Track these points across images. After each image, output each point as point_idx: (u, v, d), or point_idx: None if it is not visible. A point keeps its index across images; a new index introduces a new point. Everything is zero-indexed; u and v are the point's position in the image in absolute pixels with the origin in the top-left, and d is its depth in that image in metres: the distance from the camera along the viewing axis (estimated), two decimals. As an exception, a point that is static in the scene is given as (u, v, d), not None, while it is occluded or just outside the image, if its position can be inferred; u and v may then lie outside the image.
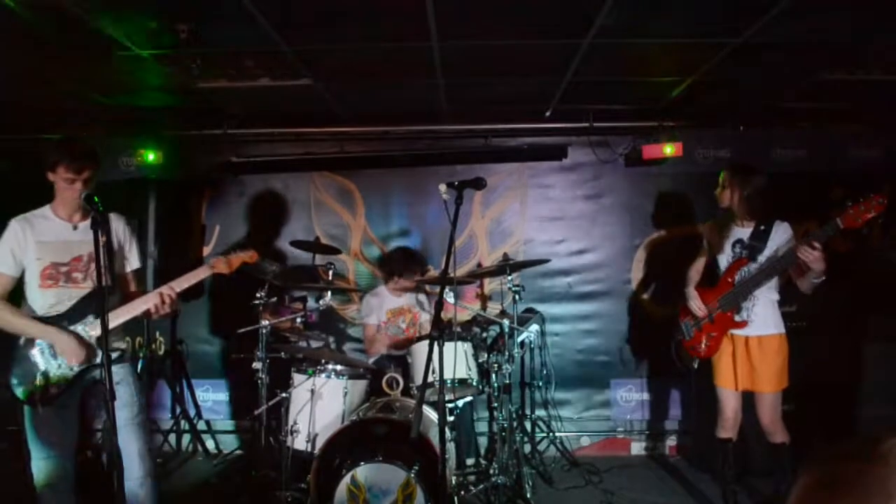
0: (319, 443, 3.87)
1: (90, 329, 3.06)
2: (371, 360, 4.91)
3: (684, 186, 5.54)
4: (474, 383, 4.19)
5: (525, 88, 4.75)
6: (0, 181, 5.13)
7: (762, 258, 3.73)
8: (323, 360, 4.20)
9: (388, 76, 4.45)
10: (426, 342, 2.95)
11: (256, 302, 4.35)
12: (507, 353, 4.45)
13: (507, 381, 4.48)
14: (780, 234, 3.74)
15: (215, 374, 5.72)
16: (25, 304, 3.11)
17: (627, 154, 5.59)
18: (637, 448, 5.58)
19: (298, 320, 4.79)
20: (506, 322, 4.48)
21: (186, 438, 5.53)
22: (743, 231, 3.83)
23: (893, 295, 4.96)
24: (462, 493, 4.21)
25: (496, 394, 4.38)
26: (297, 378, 4.22)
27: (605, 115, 5.38)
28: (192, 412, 5.50)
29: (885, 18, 3.45)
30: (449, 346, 3.84)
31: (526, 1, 3.25)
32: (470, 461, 4.82)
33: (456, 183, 3.01)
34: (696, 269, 4.11)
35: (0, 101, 4.74)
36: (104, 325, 2.44)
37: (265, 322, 4.30)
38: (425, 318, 5.09)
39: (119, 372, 3.11)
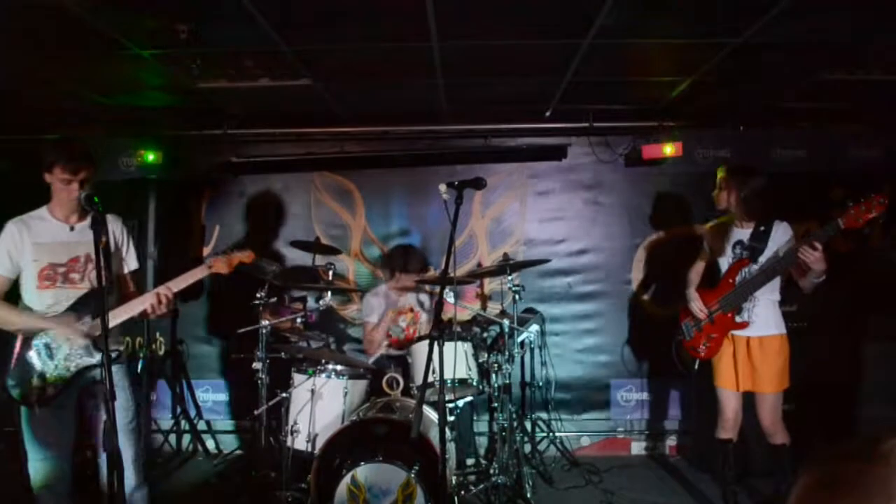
0: (319, 443, 3.86)
1: (88, 329, 3.06)
2: (371, 360, 4.91)
3: (684, 186, 5.54)
4: (474, 383, 4.19)
5: (525, 88, 4.74)
6: (0, 181, 5.13)
7: (763, 259, 3.72)
8: (323, 360, 4.20)
9: (388, 76, 4.45)
10: (426, 342, 2.95)
11: (256, 302, 4.36)
12: (507, 353, 4.45)
13: (508, 381, 4.48)
14: (780, 235, 3.74)
15: (215, 374, 5.72)
16: (23, 306, 3.11)
17: (627, 154, 5.59)
18: (637, 448, 5.58)
19: (298, 320, 4.79)
20: (506, 322, 4.48)
21: (187, 438, 5.52)
22: (743, 232, 3.83)
23: (894, 295, 4.96)
24: (462, 492, 4.21)
25: (496, 394, 4.39)
26: (298, 378, 4.22)
27: (605, 115, 5.38)
28: (192, 412, 5.49)
29: (885, 18, 3.45)
30: (449, 346, 3.84)
31: (526, 1, 3.25)
32: (470, 461, 4.82)
33: (456, 183, 3.01)
34: (696, 272, 4.11)
35: (0, 101, 4.74)
36: (104, 324, 2.44)
37: (265, 322, 4.31)
38: (426, 318, 5.09)
39: (115, 375, 3.10)
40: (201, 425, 5.56)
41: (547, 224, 5.72)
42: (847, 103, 5.08)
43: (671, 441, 5.53)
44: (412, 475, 3.46)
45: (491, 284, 5.68)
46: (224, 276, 3.42)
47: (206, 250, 5.69)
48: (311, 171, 5.72)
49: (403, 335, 5.00)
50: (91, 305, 3.06)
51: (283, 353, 4.49)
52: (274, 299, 4.53)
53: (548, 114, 5.30)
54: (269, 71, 4.26)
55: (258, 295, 4.36)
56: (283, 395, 4.20)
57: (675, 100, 4.95)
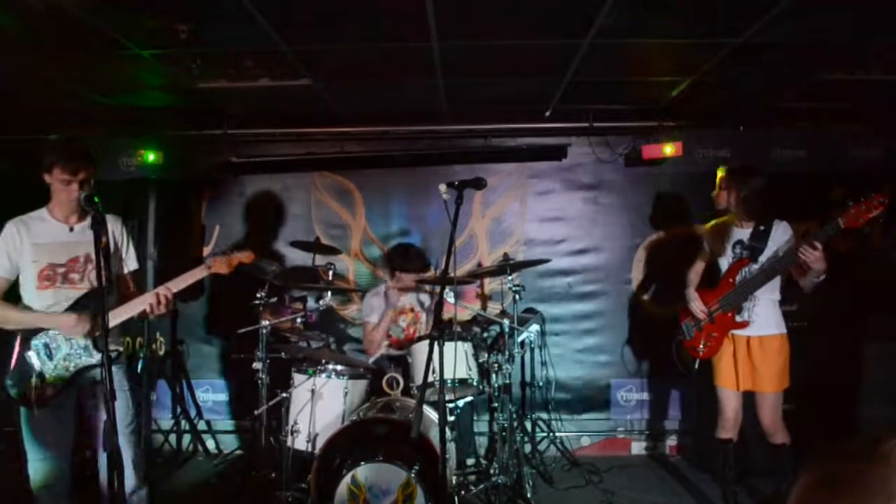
0: (320, 443, 3.86)
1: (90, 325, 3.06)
2: (371, 360, 4.91)
3: (684, 186, 5.54)
4: (474, 383, 4.19)
5: (525, 88, 4.74)
6: (0, 181, 5.13)
7: (763, 258, 3.72)
8: (323, 360, 4.20)
9: (388, 76, 4.45)
10: (426, 342, 2.95)
11: (256, 302, 4.35)
12: (507, 353, 4.45)
13: (508, 381, 4.47)
14: (780, 234, 3.74)
15: (215, 374, 5.72)
16: (22, 307, 3.11)
17: (627, 154, 5.59)
18: (637, 448, 5.58)
19: (298, 320, 4.79)
20: (506, 322, 4.48)
21: (187, 438, 5.51)
22: (742, 232, 3.83)
23: (894, 294, 4.96)
24: (462, 492, 4.21)
25: (496, 394, 4.39)
26: (298, 378, 4.22)
27: (605, 115, 5.38)
28: (192, 412, 5.50)
29: (885, 18, 3.45)
30: (449, 346, 3.83)
31: (526, 1, 3.25)
32: (470, 461, 4.82)
33: (456, 183, 3.02)
34: (696, 271, 4.11)
35: (0, 101, 4.74)
36: (104, 324, 2.44)
37: (265, 322, 4.30)
38: (426, 318, 5.08)
39: (114, 375, 3.11)
40: (201, 425, 5.55)
41: (547, 224, 5.72)
42: (847, 103, 5.08)
43: (671, 441, 5.53)
44: (412, 475, 3.46)
45: (491, 284, 5.68)
46: (224, 276, 3.42)
47: (206, 250, 5.69)
48: (311, 171, 5.72)
49: (404, 335, 5.00)
50: (90, 305, 3.06)
51: (283, 353, 4.48)
52: (274, 299, 4.53)
53: (548, 114, 5.30)
54: (269, 71, 4.26)
55: (258, 295, 4.36)
56: (284, 395, 4.20)
57: (675, 100, 4.94)
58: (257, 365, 4.32)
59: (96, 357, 3.05)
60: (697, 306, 3.93)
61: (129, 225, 3.46)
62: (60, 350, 3.04)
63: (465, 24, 3.52)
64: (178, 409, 5.47)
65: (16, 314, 3.04)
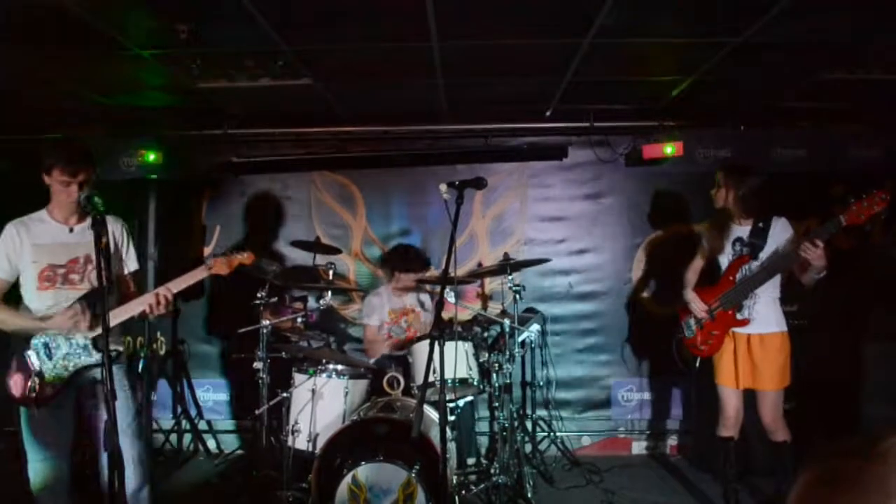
0: (320, 442, 3.86)
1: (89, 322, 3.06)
2: (372, 360, 4.91)
3: (685, 186, 5.53)
4: (475, 383, 4.19)
5: (525, 88, 4.75)
6: (0, 181, 5.13)
7: (763, 255, 3.73)
8: (324, 360, 4.20)
9: (388, 76, 4.45)
10: (427, 342, 2.95)
11: (257, 302, 4.36)
12: (507, 353, 4.45)
13: (508, 381, 4.47)
14: (780, 231, 3.74)
15: (216, 373, 5.72)
16: (23, 307, 3.11)
17: (628, 154, 5.59)
18: (638, 447, 5.58)
19: (299, 320, 4.80)
20: (506, 322, 4.48)
21: (187, 438, 5.52)
22: (742, 229, 3.83)
23: (895, 292, 4.96)
24: (463, 492, 4.21)
25: (497, 393, 4.39)
26: (298, 378, 4.23)
27: (606, 115, 5.38)
28: (193, 412, 5.51)
29: (886, 18, 3.45)
30: (450, 346, 3.83)
31: (526, 1, 3.25)
32: (471, 461, 4.82)
33: (456, 183, 3.02)
34: (694, 270, 4.11)
35: (0, 101, 4.74)
36: (104, 324, 2.44)
37: (266, 322, 4.30)
38: (427, 318, 5.09)
39: (115, 375, 3.11)
40: (202, 425, 5.56)
41: (547, 224, 5.72)
42: (847, 103, 5.08)
43: (672, 440, 5.54)
44: (413, 475, 3.46)
45: (491, 284, 5.68)
46: (224, 276, 3.43)
47: (207, 250, 5.70)
48: (312, 171, 5.72)
49: (405, 336, 5.00)
50: (91, 306, 3.06)
51: (283, 353, 4.49)
52: (275, 299, 4.53)
53: (548, 113, 5.30)
54: (269, 71, 4.25)
55: (259, 295, 4.37)
56: (284, 394, 4.21)
57: (675, 99, 4.95)
58: (258, 365, 4.32)
59: (96, 357, 3.05)
60: (698, 306, 3.93)
61: (130, 225, 3.46)
62: (60, 350, 3.04)
63: (465, 24, 3.52)
64: (179, 409, 5.48)
65: (14, 319, 3.04)
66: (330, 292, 4.64)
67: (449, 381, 3.93)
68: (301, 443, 4.04)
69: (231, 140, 5.49)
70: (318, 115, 5.27)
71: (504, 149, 5.67)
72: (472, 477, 4.51)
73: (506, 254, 4.82)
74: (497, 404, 4.44)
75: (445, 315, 3.13)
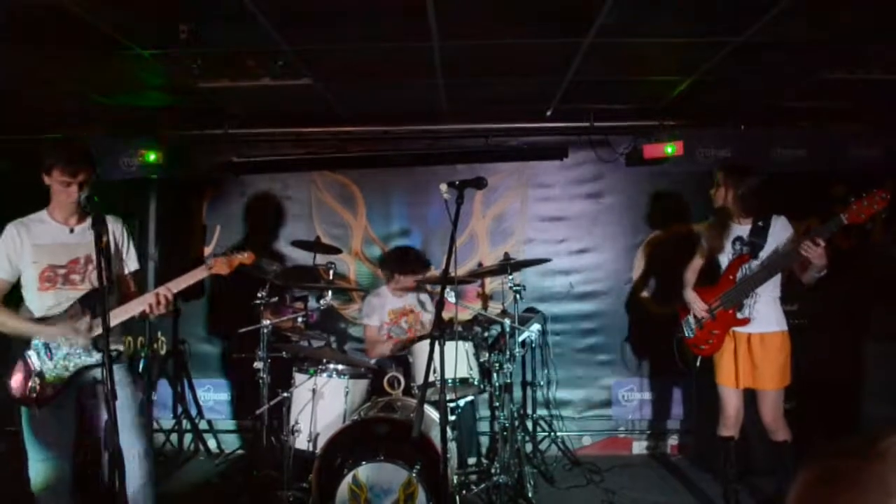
0: (321, 442, 3.86)
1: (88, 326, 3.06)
2: (372, 360, 4.91)
3: (685, 186, 5.53)
4: (475, 383, 4.19)
5: (525, 88, 4.74)
6: (0, 181, 5.13)
7: (763, 254, 3.73)
8: (324, 360, 4.20)
9: (389, 76, 4.45)
10: (427, 342, 2.95)
11: (257, 302, 4.36)
12: (508, 353, 4.45)
13: (509, 381, 4.47)
14: (779, 229, 3.74)
15: (217, 373, 5.72)
16: (24, 308, 3.12)
17: (628, 153, 5.59)
18: (638, 447, 5.58)
19: (299, 320, 4.80)
20: (507, 321, 4.48)
21: (188, 438, 5.52)
22: (741, 229, 3.83)
23: (895, 292, 4.95)
24: (463, 492, 4.21)
25: (497, 393, 4.39)
26: (299, 378, 4.23)
27: (606, 115, 5.37)
28: (193, 412, 5.51)
29: (885, 18, 3.45)
30: (450, 346, 3.84)
31: (526, 1, 3.25)
32: (471, 460, 4.82)
33: (457, 182, 3.02)
34: (693, 270, 4.11)
35: (0, 101, 4.74)
36: (105, 324, 2.44)
37: (266, 322, 4.30)
38: (427, 318, 5.08)
39: (116, 373, 3.12)
40: (203, 425, 5.57)
41: (548, 223, 5.72)
42: (847, 102, 5.08)
43: (673, 440, 5.54)
44: (413, 474, 3.46)
45: (492, 284, 5.68)
46: (225, 276, 3.43)
47: (207, 250, 5.70)
48: (312, 171, 5.72)
49: (406, 336, 5.00)
50: (92, 306, 3.06)
51: (284, 353, 4.49)
52: (275, 299, 4.53)
53: (548, 113, 5.29)
54: (269, 70, 4.25)
55: (259, 294, 4.37)
56: (285, 394, 4.21)
57: (675, 99, 4.94)
58: (258, 364, 4.31)
59: (96, 357, 3.05)
60: (698, 305, 3.93)
61: (130, 225, 3.47)
62: (60, 350, 3.04)
63: (465, 24, 3.52)
64: (180, 409, 5.48)
65: (13, 321, 3.04)
66: (330, 292, 4.64)
67: (449, 380, 3.93)
68: (301, 442, 4.04)
69: (231, 140, 5.48)
70: (319, 115, 5.27)
71: (504, 149, 5.66)
72: (473, 477, 4.51)
73: (506, 254, 4.82)
74: (497, 404, 4.43)
75: (446, 315, 3.13)
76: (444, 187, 3.04)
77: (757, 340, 3.76)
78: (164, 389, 5.55)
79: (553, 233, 5.71)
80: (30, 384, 2.98)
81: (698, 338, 3.96)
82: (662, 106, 5.13)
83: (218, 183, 5.74)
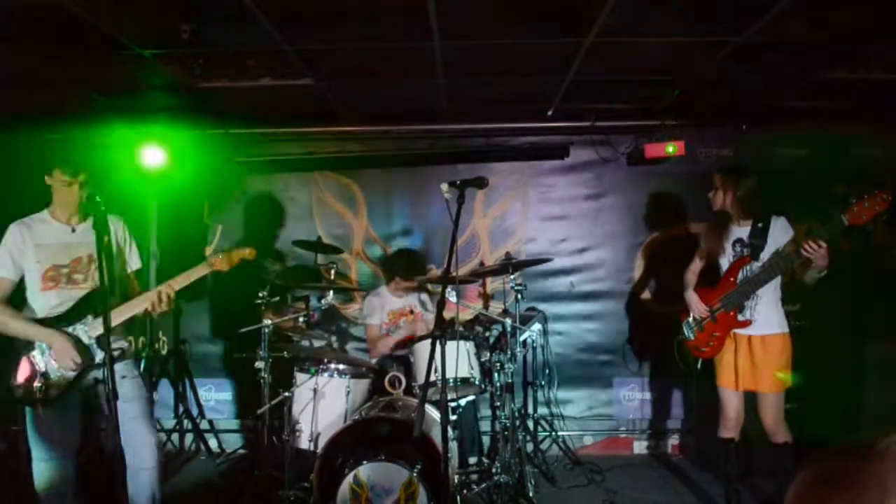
0: (322, 442, 3.87)
1: (90, 329, 3.07)
2: (373, 360, 4.91)
3: (686, 185, 5.53)
4: (477, 382, 4.20)
5: (526, 88, 4.74)
6: (0, 181, 5.13)
7: (764, 255, 3.72)
8: (325, 360, 4.21)
9: (390, 76, 4.45)
10: (428, 341, 2.96)
11: (259, 301, 4.36)
12: (509, 352, 4.45)
13: (510, 380, 4.47)
14: (780, 230, 3.73)
15: (218, 373, 5.72)
16: (27, 307, 3.13)
17: (629, 153, 5.59)
18: (639, 447, 5.58)
19: (301, 319, 4.79)
20: (508, 321, 4.49)
21: (189, 438, 5.53)
22: (741, 230, 3.82)
23: (895, 293, 4.95)
24: (465, 491, 4.21)
25: (499, 393, 4.39)
26: (300, 377, 4.23)
27: (607, 114, 5.37)
28: (194, 411, 5.52)
29: (886, 18, 3.45)
30: (451, 345, 3.85)
31: (527, 0, 3.25)
32: (472, 460, 4.82)
33: (458, 182, 3.02)
34: (693, 272, 4.11)
35: (0, 100, 4.74)
36: (106, 324, 2.45)
37: (267, 321, 4.30)
38: (428, 318, 5.09)
39: (123, 368, 3.14)
40: (204, 424, 5.57)
41: (549, 223, 5.72)
42: (848, 102, 5.07)
43: (674, 440, 5.54)
44: (414, 474, 3.46)
45: (493, 283, 5.68)
46: (227, 275, 3.43)
47: (209, 250, 5.70)
48: (313, 171, 5.72)
49: (406, 335, 5.00)
50: (94, 305, 3.07)
51: (285, 353, 4.49)
52: (276, 298, 4.54)
53: (549, 113, 5.29)
54: (270, 70, 4.26)
55: (260, 294, 4.37)
56: (286, 394, 4.21)
57: (676, 99, 4.94)
58: (260, 364, 4.31)
59: (100, 356, 3.06)
60: (699, 307, 3.93)
61: (130, 225, 3.47)
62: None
63: (466, 24, 3.52)
64: (181, 409, 5.50)
65: (14, 323, 3.04)
66: (331, 292, 4.65)
67: (450, 380, 3.94)
68: (303, 442, 4.05)
69: (232, 140, 5.48)
70: (320, 115, 5.27)
71: (505, 148, 5.66)
72: (474, 476, 4.51)
73: (507, 253, 4.82)
74: (499, 404, 4.44)
75: (447, 314, 3.13)
76: (445, 187, 3.04)
77: (758, 342, 3.75)
78: (165, 389, 5.56)
79: (554, 232, 5.71)
80: (35, 385, 2.98)
81: (699, 340, 3.96)
82: (663, 105, 5.13)
83: (219, 183, 5.74)
